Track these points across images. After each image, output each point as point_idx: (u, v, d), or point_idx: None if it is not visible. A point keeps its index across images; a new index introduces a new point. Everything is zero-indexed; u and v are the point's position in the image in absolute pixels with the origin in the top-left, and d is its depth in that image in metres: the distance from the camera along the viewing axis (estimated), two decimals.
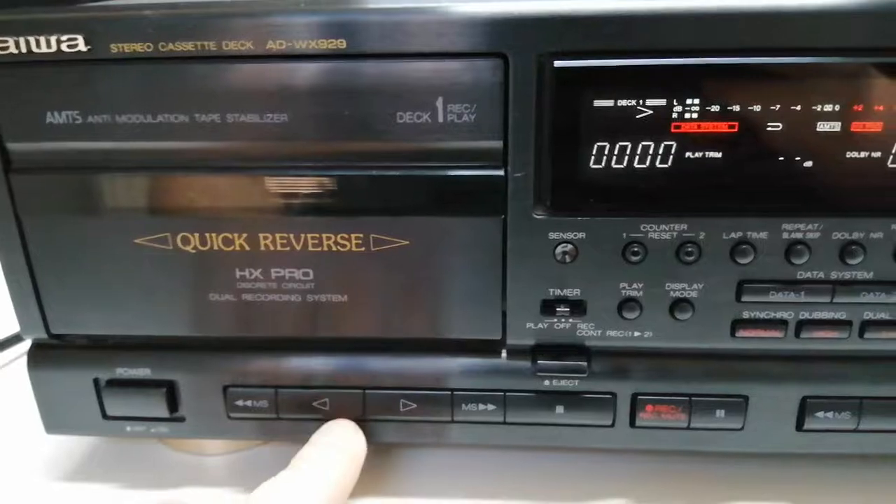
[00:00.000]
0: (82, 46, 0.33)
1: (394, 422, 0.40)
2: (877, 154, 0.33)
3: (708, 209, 0.35)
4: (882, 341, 0.37)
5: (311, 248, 0.36)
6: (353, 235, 0.36)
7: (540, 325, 0.38)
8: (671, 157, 0.34)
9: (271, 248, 0.36)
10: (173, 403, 0.41)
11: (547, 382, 0.39)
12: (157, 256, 0.37)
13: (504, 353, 0.39)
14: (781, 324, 0.36)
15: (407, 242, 0.36)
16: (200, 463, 0.46)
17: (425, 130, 0.34)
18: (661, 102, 0.33)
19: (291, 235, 0.36)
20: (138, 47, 0.33)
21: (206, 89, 0.34)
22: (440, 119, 0.33)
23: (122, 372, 0.40)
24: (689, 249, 0.35)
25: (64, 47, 0.33)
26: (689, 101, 0.33)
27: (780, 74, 0.32)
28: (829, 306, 0.36)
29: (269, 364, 0.39)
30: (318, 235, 0.36)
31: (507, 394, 0.39)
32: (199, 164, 0.35)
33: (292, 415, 0.40)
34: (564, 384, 0.39)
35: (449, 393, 0.39)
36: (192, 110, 0.34)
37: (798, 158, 0.34)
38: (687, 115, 0.33)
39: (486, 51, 0.32)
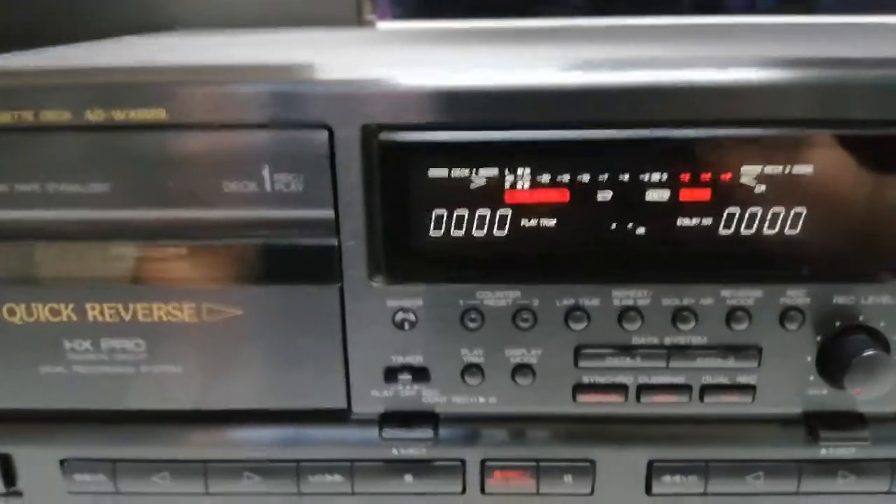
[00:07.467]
0: None
1: (239, 495, 0.39)
2: (707, 221, 0.34)
3: (540, 276, 0.35)
4: (722, 405, 0.37)
5: (141, 318, 0.35)
6: (184, 305, 0.35)
7: (385, 393, 0.37)
8: (507, 225, 0.34)
9: (100, 318, 0.35)
10: (10, 478, 0.39)
11: (395, 451, 0.38)
12: None
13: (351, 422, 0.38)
14: (621, 388, 0.36)
15: (241, 312, 0.35)
16: None
17: (253, 200, 0.33)
18: (493, 172, 0.33)
19: (120, 305, 0.35)
20: None
21: (25, 159, 0.33)
22: (267, 188, 0.33)
23: None
24: (525, 316, 0.35)
25: None
26: (520, 172, 0.33)
27: (608, 145, 0.33)
28: (666, 371, 0.36)
29: (106, 436, 0.38)
30: (148, 305, 0.35)
31: (355, 463, 0.38)
32: (19, 233, 0.34)
33: (133, 489, 0.38)
34: (412, 452, 0.38)
35: (294, 464, 0.38)
36: (11, 180, 0.33)
37: (630, 226, 0.34)
38: (519, 185, 0.33)
39: (310, 122, 0.32)
